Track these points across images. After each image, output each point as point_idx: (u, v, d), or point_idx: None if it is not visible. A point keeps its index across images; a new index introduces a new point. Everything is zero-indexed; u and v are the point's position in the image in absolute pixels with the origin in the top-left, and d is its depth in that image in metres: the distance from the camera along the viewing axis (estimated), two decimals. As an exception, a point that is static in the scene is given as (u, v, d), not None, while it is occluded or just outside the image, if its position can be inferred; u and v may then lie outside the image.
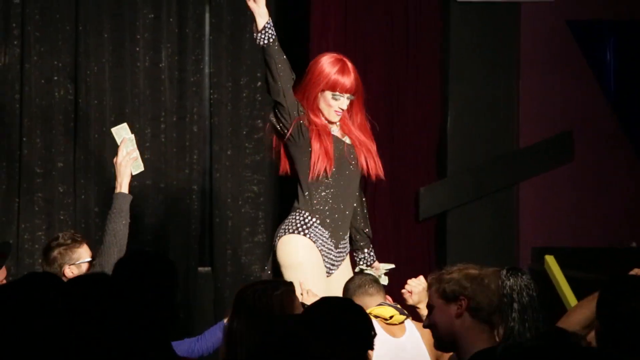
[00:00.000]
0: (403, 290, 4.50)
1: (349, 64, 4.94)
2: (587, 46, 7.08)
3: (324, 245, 4.81)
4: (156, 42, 6.81)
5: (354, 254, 5.13)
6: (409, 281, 4.54)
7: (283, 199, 6.96)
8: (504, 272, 3.96)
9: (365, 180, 6.88)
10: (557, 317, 5.87)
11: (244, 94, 6.94)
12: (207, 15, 6.89)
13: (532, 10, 6.95)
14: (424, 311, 4.42)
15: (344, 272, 4.88)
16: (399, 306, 4.38)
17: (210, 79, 6.92)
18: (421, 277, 4.56)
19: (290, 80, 4.91)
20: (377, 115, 6.82)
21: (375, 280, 4.50)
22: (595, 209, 7.05)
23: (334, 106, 4.88)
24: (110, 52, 6.72)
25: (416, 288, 4.45)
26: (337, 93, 4.85)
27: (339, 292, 4.58)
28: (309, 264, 4.68)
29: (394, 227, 6.84)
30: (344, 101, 4.88)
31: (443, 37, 6.87)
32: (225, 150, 6.93)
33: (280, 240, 4.83)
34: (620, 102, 7.15)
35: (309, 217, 4.82)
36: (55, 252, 4.56)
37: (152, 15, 6.78)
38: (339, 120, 4.96)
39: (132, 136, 4.75)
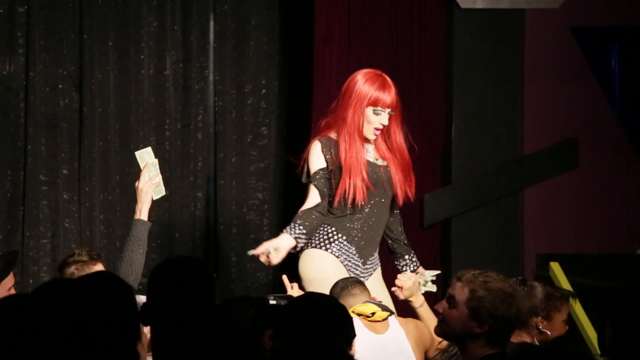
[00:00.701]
0: (394, 288, 4.51)
1: (388, 79, 4.90)
2: (591, 52, 7.09)
3: (349, 260, 4.80)
4: (161, 50, 6.84)
5: (396, 263, 5.10)
6: (399, 276, 4.56)
7: (288, 206, 6.99)
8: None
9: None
10: None
11: (249, 101, 6.97)
12: (211, 23, 6.92)
13: (536, 16, 6.96)
14: (416, 303, 4.47)
15: (375, 284, 4.85)
16: (382, 303, 4.39)
17: (215, 87, 6.95)
18: (408, 273, 4.61)
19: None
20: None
21: (358, 281, 4.49)
22: (599, 215, 7.06)
23: (374, 122, 4.81)
24: (114, 60, 6.75)
25: (406, 283, 4.46)
26: (379, 108, 4.80)
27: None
28: (333, 281, 4.62)
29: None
30: (384, 116, 4.81)
31: (447, 44, 6.88)
32: (230, 157, 6.96)
33: (303, 253, 4.82)
34: (624, 108, 7.17)
35: (334, 232, 4.80)
36: (72, 268, 4.51)
37: (157, 24, 6.81)
38: (374, 141, 4.90)
39: (156, 161, 4.65)
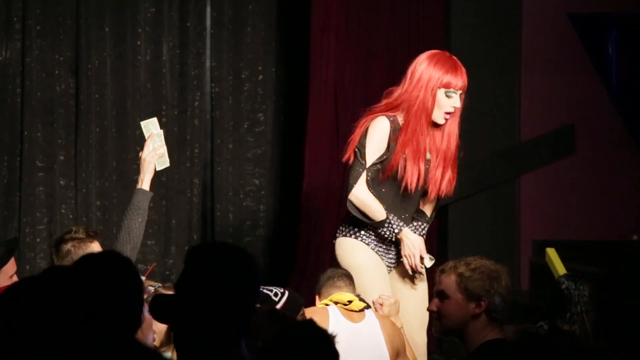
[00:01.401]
0: (374, 300, 4.50)
1: (458, 61, 4.77)
2: (588, 39, 7.08)
3: (379, 247, 4.78)
4: (157, 35, 6.84)
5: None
6: (380, 295, 4.53)
7: (284, 192, 7.07)
8: (567, 279, 4.33)
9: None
10: None
11: (245, 88, 6.99)
12: (208, 9, 6.92)
13: (534, 3, 6.97)
14: (398, 323, 4.47)
15: (403, 273, 4.83)
16: (360, 296, 4.42)
17: (212, 73, 6.96)
18: (390, 295, 4.55)
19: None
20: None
21: (346, 275, 4.51)
22: (596, 202, 7.09)
23: (445, 106, 4.68)
24: (111, 46, 6.75)
25: (387, 301, 4.47)
26: (452, 90, 4.67)
27: (400, 289, 4.70)
28: (367, 266, 4.65)
29: None
30: (456, 99, 4.70)
31: (445, 31, 6.88)
32: (227, 143, 6.98)
33: (336, 241, 4.82)
34: (622, 95, 7.17)
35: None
36: (69, 245, 4.44)
37: (154, 9, 6.81)
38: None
39: (161, 132, 4.59)
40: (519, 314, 5.57)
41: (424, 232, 4.87)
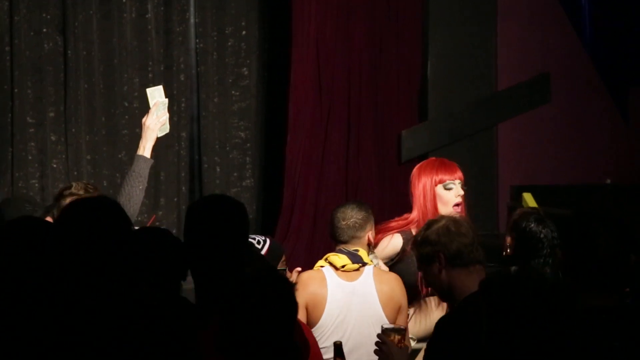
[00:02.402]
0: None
1: (445, 159, 4.94)
2: None
3: None
4: None
5: None
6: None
7: (269, 144, 7.14)
8: (532, 221, 4.30)
9: (349, 122, 7.00)
10: None
11: (229, 43, 7.02)
12: (191, -34, 6.94)
13: (509, -45, 7.04)
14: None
15: None
16: (362, 255, 4.42)
17: (196, 29, 6.99)
18: None
19: None
20: (361, 64, 6.99)
21: (352, 226, 4.48)
22: (571, 148, 7.18)
23: (450, 200, 4.81)
24: (97, 4, 6.76)
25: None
26: (448, 182, 4.82)
27: None
28: None
29: (378, 168, 6.98)
30: (457, 188, 4.82)
31: None
32: (212, 97, 7.02)
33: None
34: (595, 45, 7.26)
35: None
36: (67, 201, 4.37)
37: (138, -33, 6.82)
38: None
39: (166, 100, 4.55)
40: (497, 256, 5.68)
41: None
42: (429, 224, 3.54)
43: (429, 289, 4.44)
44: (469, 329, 2.97)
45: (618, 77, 7.27)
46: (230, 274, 2.99)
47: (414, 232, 4.79)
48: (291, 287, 2.77)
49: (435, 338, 3.36)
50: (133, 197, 4.33)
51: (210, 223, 3.20)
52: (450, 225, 3.48)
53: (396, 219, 4.92)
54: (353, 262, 4.36)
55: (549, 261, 4.30)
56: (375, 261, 4.55)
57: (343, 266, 4.35)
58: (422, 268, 3.54)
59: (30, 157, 6.72)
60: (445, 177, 4.83)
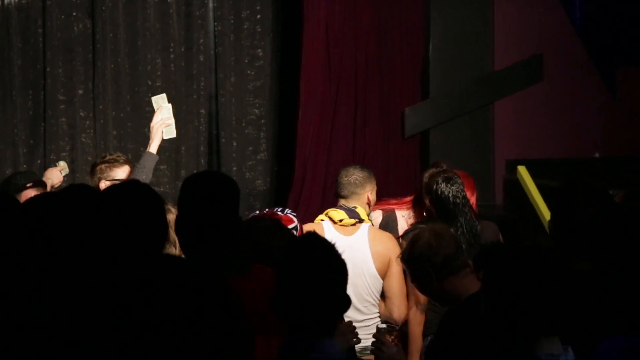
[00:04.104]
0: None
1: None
2: None
3: None
4: None
5: None
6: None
7: (282, 120, 7.36)
8: (440, 182, 4.41)
9: (356, 99, 7.20)
10: (528, 221, 6.16)
11: (245, 26, 7.25)
12: (209, -45, 7.15)
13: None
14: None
15: None
16: (359, 211, 4.59)
17: (214, 13, 7.22)
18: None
19: None
20: (367, 46, 7.13)
21: (353, 183, 4.68)
22: (563, 124, 7.31)
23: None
24: None
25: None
26: None
27: None
28: None
29: (383, 143, 7.18)
30: None
31: None
32: (229, 77, 7.24)
33: None
34: (586, 28, 7.36)
35: None
36: (98, 167, 4.93)
37: (160, -44, 7.04)
38: None
39: (169, 105, 4.94)
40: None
41: None
42: (413, 241, 3.57)
43: None
44: (471, 321, 2.91)
45: (606, 57, 7.35)
46: (218, 249, 3.01)
47: (397, 213, 5.05)
48: (337, 251, 2.72)
49: (439, 334, 3.36)
50: None
51: (201, 197, 3.14)
52: (431, 241, 3.49)
53: (397, 197, 5.17)
54: (350, 217, 4.55)
55: (460, 219, 4.38)
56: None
57: (340, 220, 4.54)
58: (415, 282, 3.60)
59: (61, 132, 6.99)
60: None
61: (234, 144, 7.30)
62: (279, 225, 3.94)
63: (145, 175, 4.74)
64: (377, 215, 5.04)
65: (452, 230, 4.14)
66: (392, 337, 3.52)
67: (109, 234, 2.85)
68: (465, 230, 4.42)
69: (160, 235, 3.02)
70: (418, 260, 3.49)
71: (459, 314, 3.27)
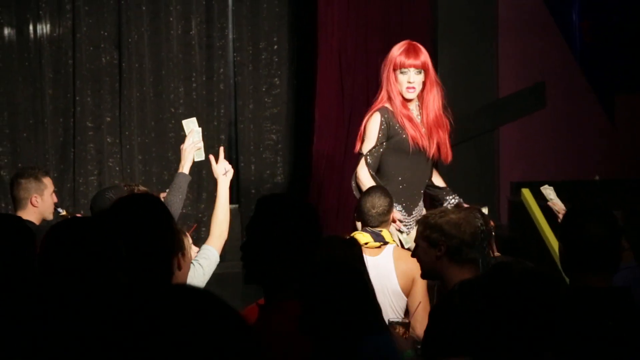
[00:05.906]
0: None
1: (417, 45, 5.19)
2: (555, 8, 7.43)
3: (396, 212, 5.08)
4: (187, 12, 7.34)
5: (444, 203, 5.35)
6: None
7: (298, 145, 7.58)
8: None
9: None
10: (531, 240, 6.32)
11: (263, 56, 7.49)
12: (229, -11, 7.39)
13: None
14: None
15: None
16: (384, 234, 4.71)
17: (234, 44, 7.46)
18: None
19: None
20: (376, 73, 7.28)
21: (378, 212, 4.75)
22: (565, 148, 7.46)
23: (403, 83, 5.09)
24: (148, 22, 7.26)
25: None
26: (405, 69, 5.09)
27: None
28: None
29: None
30: (411, 75, 5.09)
31: (430, 3, 7.32)
32: (248, 104, 7.47)
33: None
34: (585, 56, 7.52)
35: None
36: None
37: (183, -10, 7.29)
38: (419, 101, 5.19)
39: (200, 129, 4.98)
40: (499, 245, 5.92)
41: (455, 200, 5.33)
42: (445, 212, 3.58)
43: None
44: (463, 308, 2.80)
45: (605, 85, 7.49)
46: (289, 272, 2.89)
47: (387, 105, 5.16)
48: (362, 272, 2.82)
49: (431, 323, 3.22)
50: (173, 204, 4.65)
51: (280, 221, 2.94)
52: (461, 222, 3.48)
53: (375, 100, 5.24)
54: (375, 241, 4.69)
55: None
56: (403, 238, 4.95)
57: (366, 243, 4.64)
58: (421, 245, 3.56)
59: (89, 157, 7.20)
60: (405, 62, 5.10)
61: (252, 167, 7.49)
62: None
63: (181, 195, 4.80)
64: (376, 117, 5.17)
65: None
66: (402, 330, 3.52)
67: (120, 247, 2.67)
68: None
69: (171, 246, 2.98)
70: (440, 232, 3.44)
71: (450, 303, 3.11)
